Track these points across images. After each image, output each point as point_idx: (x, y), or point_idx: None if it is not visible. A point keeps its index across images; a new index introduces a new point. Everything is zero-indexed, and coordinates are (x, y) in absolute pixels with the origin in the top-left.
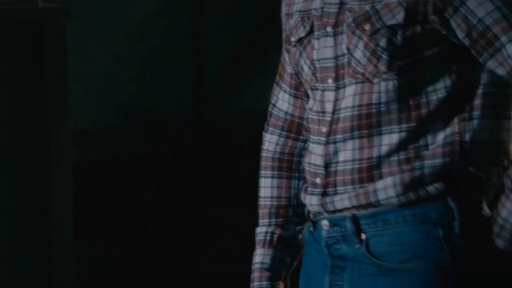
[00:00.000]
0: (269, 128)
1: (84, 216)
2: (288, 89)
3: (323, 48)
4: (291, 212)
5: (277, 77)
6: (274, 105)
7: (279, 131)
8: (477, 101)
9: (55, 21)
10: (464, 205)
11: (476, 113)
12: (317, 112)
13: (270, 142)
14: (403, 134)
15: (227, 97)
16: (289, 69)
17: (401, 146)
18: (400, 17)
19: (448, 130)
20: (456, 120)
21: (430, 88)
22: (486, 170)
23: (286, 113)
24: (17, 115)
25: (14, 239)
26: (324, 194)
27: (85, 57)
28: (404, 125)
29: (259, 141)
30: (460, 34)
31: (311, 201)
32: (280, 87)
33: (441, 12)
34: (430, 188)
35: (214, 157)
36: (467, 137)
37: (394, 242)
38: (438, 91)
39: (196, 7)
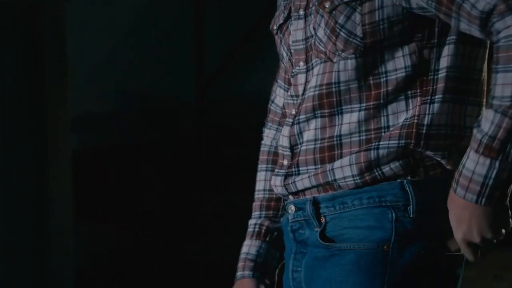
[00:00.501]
0: (268, 123)
1: (85, 201)
2: (283, 84)
3: (295, 31)
4: (282, 206)
5: (277, 74)
6: (272, 101)
7: (276, 126)
8: (440, 85)
9: (54, 4)
10: (421, 189)
11: (437, 97)
12: (292, 96)
13: (268, 136)
14: (363, 113)
15: (229, 83)
16: (282, 64)
17: (362, 125)
18: None
19: (409, 113)
20: (417, 102)
21: (390, 68)
22: (444, 155)
23: (282, 108)
24: (15, 101)
25: (12, 228)
26: (287, 175)
27: (86, 42)
28: (364, 104)
29: (261, 127)
30: (423, 1)
31: (275, 182)
32: (277, 83)
33: None
34: (386, 169)
35: (216, 143)
36: (426, 120)
37: (348, 225)
38: (398, 71)
39: None
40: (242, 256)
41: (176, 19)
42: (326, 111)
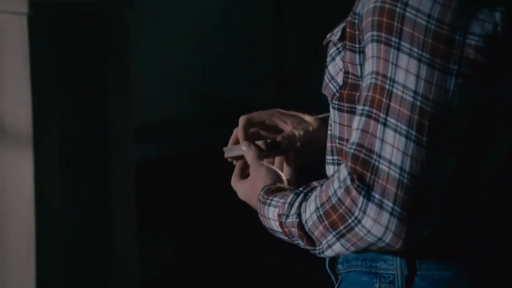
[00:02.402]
0: None
1: (158, 209)
2: None
3: None
4: None
5: None
6: None
7: None
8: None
9: (116, 12)
10: (414, 259)
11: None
12: None
13: None
14: None
15: (309, 87)
16: None
17: None
18: (338, 34)
19: None
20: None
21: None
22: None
23: None
24: (77, 111)
25: (74, 239)
26: None
27: (162, 47)
28: None
29: None
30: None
31: None
32: None
33: (361, 42)
34: None
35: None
36: None
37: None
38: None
39: None
40: None
41: (253, 21)
42: (341, 158)
